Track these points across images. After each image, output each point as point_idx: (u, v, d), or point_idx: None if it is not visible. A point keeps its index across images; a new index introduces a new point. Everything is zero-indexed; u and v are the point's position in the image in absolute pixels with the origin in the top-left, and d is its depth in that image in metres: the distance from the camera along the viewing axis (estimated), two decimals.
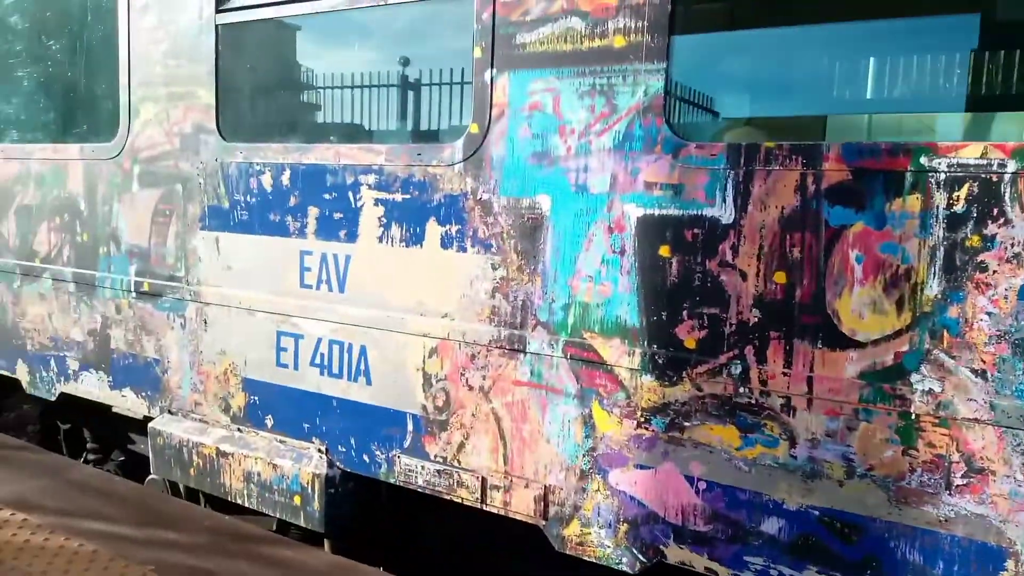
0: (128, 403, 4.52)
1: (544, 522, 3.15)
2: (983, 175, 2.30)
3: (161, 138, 4.12)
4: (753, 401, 2.69)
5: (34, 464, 4.52)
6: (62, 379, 4.82)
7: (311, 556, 3.51)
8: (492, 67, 3.12)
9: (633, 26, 2.80)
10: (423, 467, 3.44)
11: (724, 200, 2.68)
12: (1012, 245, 2.28)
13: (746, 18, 3.24)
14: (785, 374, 2.62)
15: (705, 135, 3.06)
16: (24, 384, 5.07)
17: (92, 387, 4.67)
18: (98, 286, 4.51)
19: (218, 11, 3.83)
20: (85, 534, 3.64)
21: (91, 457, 5.39)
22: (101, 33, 4.39)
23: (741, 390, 2.70)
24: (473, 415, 3.29)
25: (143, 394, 4.43)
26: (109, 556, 3.41)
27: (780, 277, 2.62)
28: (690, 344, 2.78)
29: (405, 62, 4.13)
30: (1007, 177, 2.27)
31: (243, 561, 3.42)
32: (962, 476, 2.39)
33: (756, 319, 2.66)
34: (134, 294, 4.36)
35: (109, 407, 4.64)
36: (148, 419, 4.40)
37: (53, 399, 4.91)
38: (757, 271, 2.65)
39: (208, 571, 3.31)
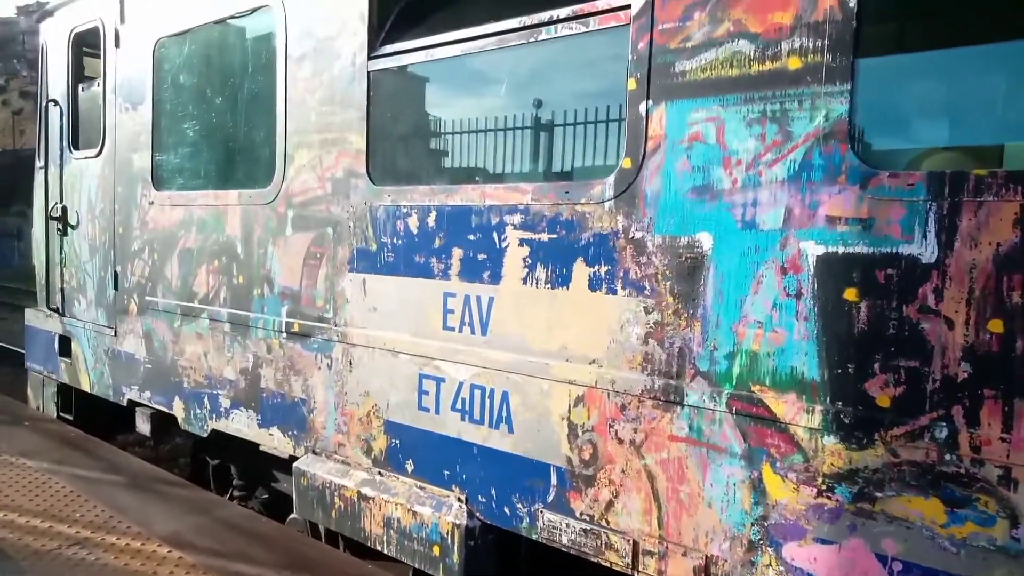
0: (275, 442, 4.58)
1: None
2: None
3: (314, 183, 4.21)
4: (963, 471, 2.28)
5: (188, 501, 4.71)
6: (214, 416, 4.97)
7: None
8: (648, 98, 2.93)
9: (811, 46, 2.54)
10: (568, 524, 3.20)
11: (925, 236, 2.34)
12: None
13: (941, 35, 2.90)
14: (1004, 440, 2.21)
15: (899, 163, 2.72)
16: (180, 420, 5.28)
17: (242, 425, 4.78)
18: (251, 326, 4.63)
19: (370, 58, 3.89)
20: (232, 575, 3.71)
21: (236, 494, 5.52)
22: (261, 84, 4.58)
23: (948, 457, 2.31)
24: (623, 471, 3.03)
25: (289, 433, 4.47)
26: None
27: (996, 326, 2.23)
28: (883, 402, 2.42)
29: (538, 104, 4.05)
30: None
31: None
32: None
33: (966, 374, 2.27)
34: (285, 334, 4.44)
35: (257, 445, 4.72)
36: (293, 458, 4.43)
37: (205, 436, 5.07)
38: (967, 318, 2.27)
39: None
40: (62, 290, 6.62)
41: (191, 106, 5.25)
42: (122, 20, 5.72)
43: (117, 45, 5.76)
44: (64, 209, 6.51)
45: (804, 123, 2.56)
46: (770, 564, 2.66)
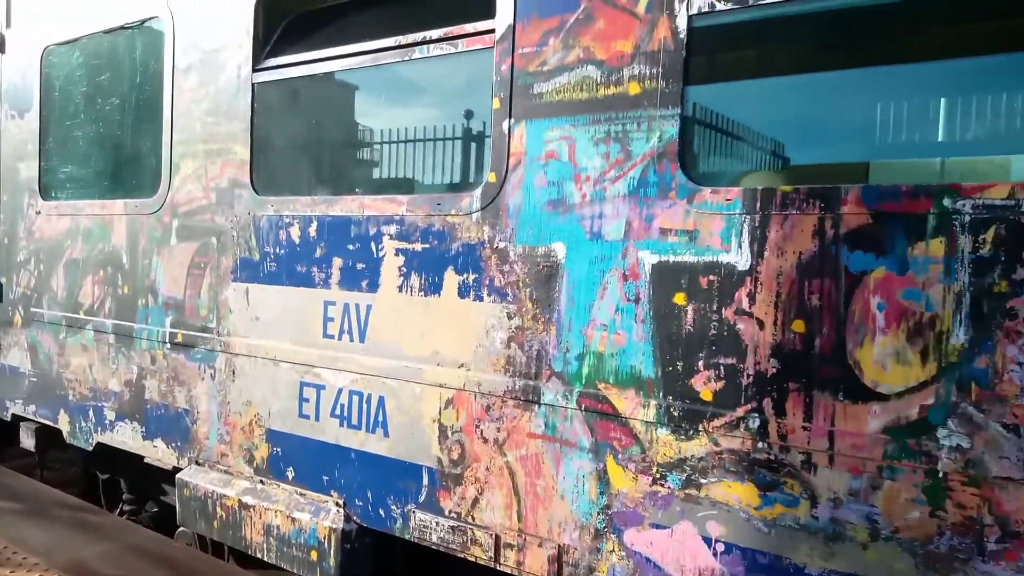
0: (159, 453, 4.56)
1: None
2: (1011, 216, 2.18)
3: (199, 193, 4.26)
4: (772, 457, 2.55)
5: (93, 527, 4.53)
6: (99, 429, 4.91)
7: None
8: (510, 117, 3.14)
9: (648, 73, 2.80)
10: (437, 523, 3.34)
11: (740, 246, 2.61)
12: None
13: (766, 65, 3.21)
14: (805, 428, 2.48)
15: (722, 181, 3.00)
16: (65, 434, 5.18)
17: (126, 437, 4.74)
18: (136, 337, 4.62)
19: (254, 70, 3.99)
20: None
21: (126, 508, 5.43)
22: (148, 94, 4.61)
23: (760, 445, 2.57)
24: (487, 469, 3.21)
25: (173, 445, 4.47)
26: None
27: (798, 326, 2.50)
28: (706, 396, 2.67)
29: (414, 119, 4.19)
30: None
31: None
32: (996, 541, 2.20)
33: (774, 370, 2.54)
34: (168, 345, 4.45)
35: (142, 458, 4.69)
36: (177, 470, 4.43)
37: (90, 449, 5.00)
38: (775, 320, 2.54)
39: None
40: None
41: (80, 115, 5.21)
42: (8, 25, 5.63)
43: (2, 51, 5.66)
44: None
45: (642, 143, 2.81)
46: (613, 550, 2.87)
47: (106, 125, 4.97)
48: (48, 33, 5.25)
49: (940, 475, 2.28)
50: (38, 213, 5.32)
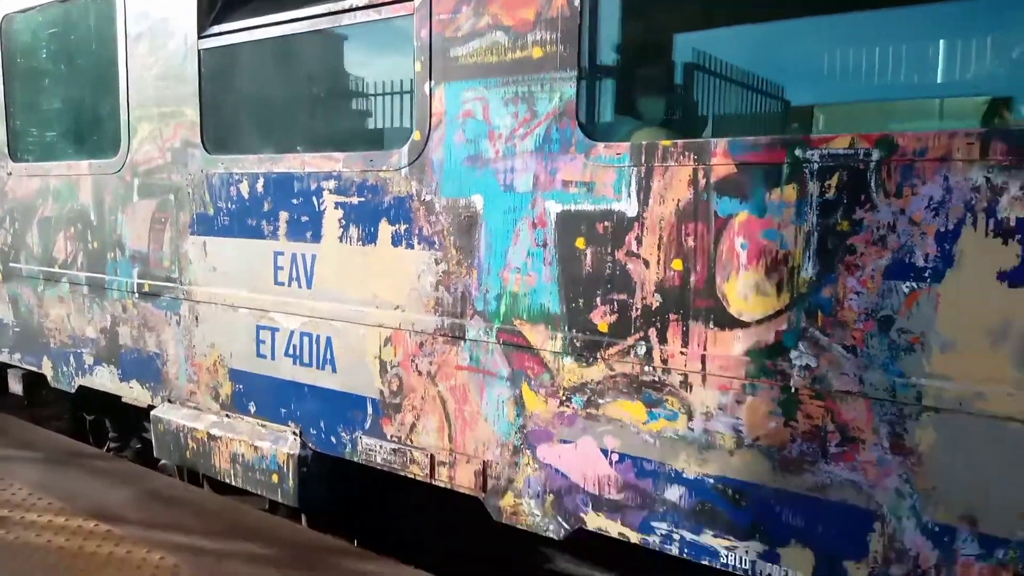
0: (135, 393, 4.93)
1: (483, 494, 3.42)
2: (851, 164, 2.50)
3: (155, 153, 4.53)
4: (656, 379, 2.92)
5: (111, 474, 4.66)
6: (80, 373, 5.27)
7: (397, 570, 3.56)
8: (431, 79, 3.41)
9: (548, 38, 3.06)
10: (381, 446, 3.74)
11: (629, 195, 2.92)
12: (877, 228, 2.47)
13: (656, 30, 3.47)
14: (683, 353, 2.85)
15: (614, 136, 3.29)
16: (49, 379, 5.55)
17: (105, 380, 5.11)
18: (107, 288, 4.94)
19: (200, 37, 4.22)
20: (165, 546, 3.74)
21: (112, 446, 5.85)
22: (105, 59, 4.82)
23: (646, 369, 2.93)
24: (422, 398, 3.58)
25: (147, 385, 4.84)
26: (191, 572, 3.49)
27: (677, 264, 2.84)
28: (603, 328, 3.02)
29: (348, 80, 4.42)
30: (872, 165, 2.47)
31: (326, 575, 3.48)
32: (836, 445, 2.59)
33: (658, 303, 2.89)
34: (137, 295, 4.77)
35: (119, 397, 5.06)
36: (151, 408, 4.81)
37: (72, 391, 5.37)
38: (658, 260, 2.88)
39: None
40: None
41: (43, 80, 5.41)
42: None
43: None
44: None
45: (545, 103, 3.10)
46: (528, 463, 3.27)
47: (69, 89, 5.18)
48: (7, 2, 5.41)
49: (792, 390, 2.65)
50: (9, 174, 5.57)
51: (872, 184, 2.47)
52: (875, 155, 2.46)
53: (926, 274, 2.40)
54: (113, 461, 4.95)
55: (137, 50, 4.52)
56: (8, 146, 5.54)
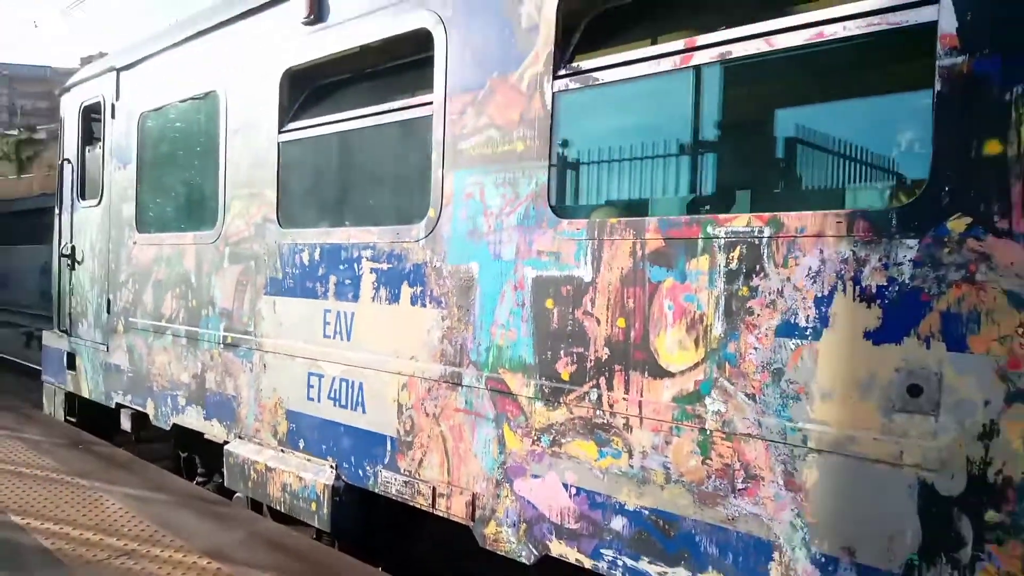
0: (215, 431, 5.78)
1: (472, 523, 3.92)
2: (748, 239, 2.96)
3: (243, 227, 5.47)
4: (605, 421, 3.38)
5: (226, 517, 5.16)
6: (175, 413, 6.21)
7: None
8: (443, 167, 4.12)
9: (527, 135, 3.71)
10: (396, 479, 4.33)
11: (586, 263, 3.47)
12: (769, 293, 2.90)
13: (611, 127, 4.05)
14: (624, 399, 3.31)
15: (576, 215, 3.84)
16: (151, 417, 6.53)
17: (193, 419, 6.00)
18: (200, 340, 5.88)
19: (280, 132, 5.16)
20: None
21: (199, 479, 6.72)
22: (209, 149, 5.89)
23: (597, 412, 3.41)
24: (428, 436, 4.16)
25: (224, 423, 5.67)
26: None
27: (621, 322, 3.34)
28: (565, 376, 3.53)
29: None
30: (764, 241, 2.92)
31: None
32: (742, 482, 2.96)
33: (606, 356, 3.38)
34: (222, 346, 5.66)
35: (201, 433, 5.93)
36: (226, 443, 5.62)
37: (168, 428, 6.31)
38: (606, 318, 3.39)
39: None
40: (70, 315, 8.00)
41: (163, 165, 6.60)
42: (117, 97, 7.14)
43: (112, 116, 7.17)
44: (73, 248, 7.91)
45: (525, 187, 3.72)
46: (507, 495, 3.75)
47: (181, 173, 6.31)
48: (143, 102, 6.68)
49: (707, 432, 3.06)
50: (135, 243, 6.74)
51: (764, 256, 2.91)
52: (767, 232, 2.91)
53: (808, 332, 2.80)
54: (226, 506, 5.45)
55: (233, 142, 5.54)
56: (136, 220, 6.72)
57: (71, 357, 7.97)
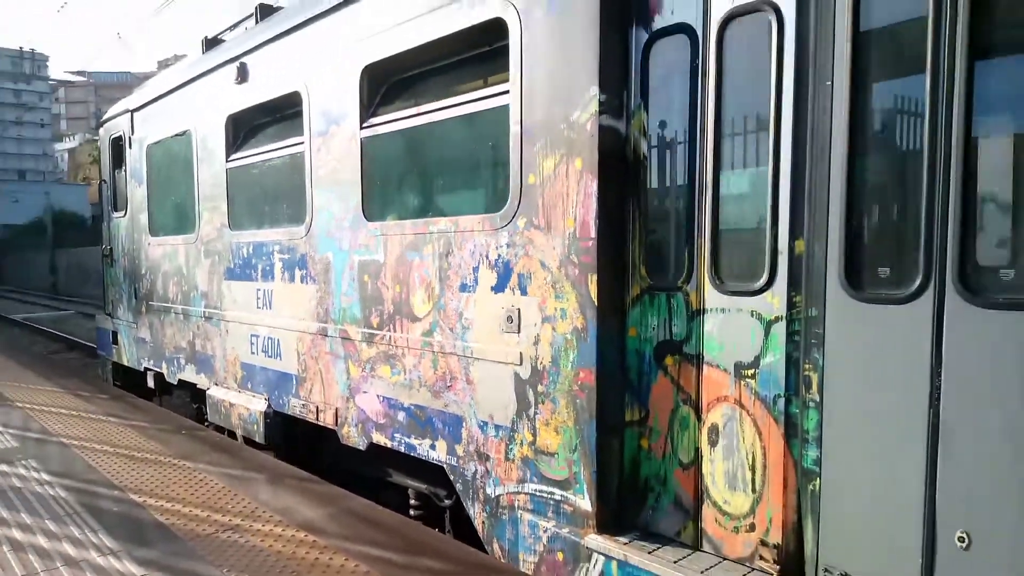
0: (203, 381, 7.91)
1: (336, 427, 5.86)
2: (446, 234, 4.74)
3: (212, 231, 7.52)
4: (393, 352, 5.24)
5: (318, 494, 5.56)
6: (179, 370, 8.38)
7: None
8: (310, 188, 6.01)
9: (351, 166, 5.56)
10: (298, 403, 6.31)
11: (380, 250, 5.31)
12: (456, 266, 4.68)
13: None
14: (401, 337, 5.16)
15: (376, 219, 5.66)
16: (165, 375, 8.75)
17: (190, 374, 8.16)
18: (190, 315, 8.00)
19: (227, 160, 7.16)
20: (359, 556, 4.37)
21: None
22: (189, 174, 7.94)
23: (390, 347, 5.27)
24: (313, 373, 6.11)
25: (207, 375, 7.79)
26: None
27: (398, 288, 5.18)
28: (375, 325, 5.41)
29: None
30: (452, 234, 4.70)
31: None
32: (449, 381, 4.78)
33: (391, 310, 5.23)
34: (203, 318, 7.76)
35: (195, 384, 8.08)
36: (207, 389, 7.74)
37: (175, 383, 8.51)
38: (391, 286, 5.23)
39: None
40: (112, 301, 10.33)
41: (163, 185, 8.74)
42: (132, 131, 9.31)
43: (130, 147, 9.36)
44: (110, 249, 10.22)
45: (354, 202, 5.57)
46: (352, 406, 5.67)
47: (174, 191, 8.43)
48: (149, 136, 8.83)
49: (435, 353, 4.88)
50: (148, 244, 8.93)
51: (453, 243, 4.69)
52: (453, 229, 4.68)
53: (470, 288, 4.58)
54: (319, 484, 5.82)
55: (203, 166, 7.58)
56: (149, 227, 8.90)
57: (115, 335, 10.32)
